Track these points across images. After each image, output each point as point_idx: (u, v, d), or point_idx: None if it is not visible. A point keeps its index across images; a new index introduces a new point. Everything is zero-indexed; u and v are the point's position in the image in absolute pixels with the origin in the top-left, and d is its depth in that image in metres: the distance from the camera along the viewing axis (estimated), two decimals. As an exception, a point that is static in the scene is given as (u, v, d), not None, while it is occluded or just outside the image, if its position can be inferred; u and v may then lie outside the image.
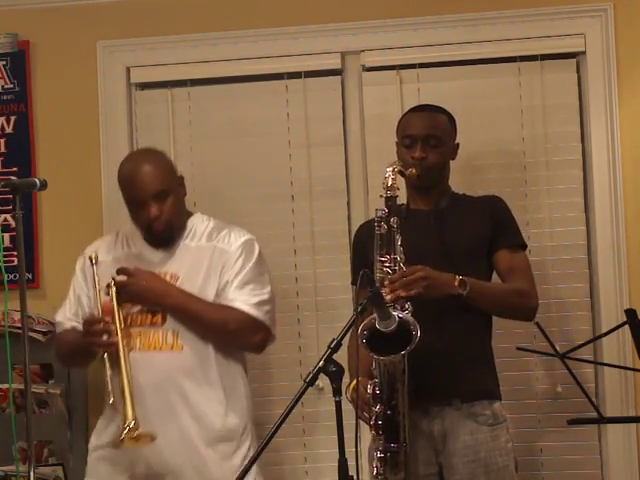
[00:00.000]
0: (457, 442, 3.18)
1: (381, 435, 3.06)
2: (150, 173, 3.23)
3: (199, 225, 3.32)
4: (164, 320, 3.18)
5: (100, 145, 4.01)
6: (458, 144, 3.43)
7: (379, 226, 3.14)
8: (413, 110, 3.44)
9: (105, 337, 3.10)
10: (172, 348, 3.17)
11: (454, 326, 3.19)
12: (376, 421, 3.06)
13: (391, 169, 3.20)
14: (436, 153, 3.30)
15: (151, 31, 4.03)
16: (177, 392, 3.15)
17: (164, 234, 3.24)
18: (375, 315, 2.88)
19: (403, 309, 3.02)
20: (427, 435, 3.20)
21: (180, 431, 3.13)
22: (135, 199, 3.22)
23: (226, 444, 3.18)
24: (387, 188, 3.17)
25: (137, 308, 3.17)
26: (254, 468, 2.99)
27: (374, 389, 3.06)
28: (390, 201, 3.16)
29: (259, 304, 3.21)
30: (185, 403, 3.15)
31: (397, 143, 3.39)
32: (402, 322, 2.94)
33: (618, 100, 3.85)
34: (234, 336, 3.18)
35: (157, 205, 3.19)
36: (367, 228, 3.40)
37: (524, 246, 3.38)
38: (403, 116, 3.45)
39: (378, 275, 3.10)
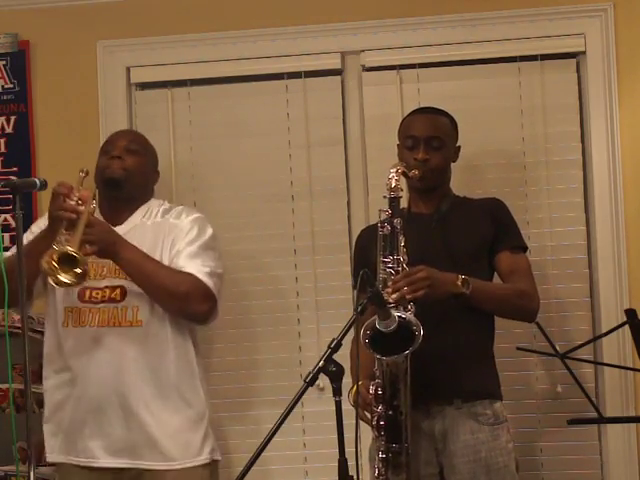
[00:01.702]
0: (458, 442, 3.18)
1: (383, 436, 3.06)
2: (133, 134, 3.54)
3: (154, 207, 3.38)
4: (123, 296, 3.21)
5: (100, 145, 4.00)
6: (459, 147, 3.44)
7: (382, 227, 3.14)
8: (415, 112, 3.45)
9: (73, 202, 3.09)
10: (132, 324, 3.20)
11: (456, 326, 3.20)
12: (378, 422, 3.06)
13: (395, 170, 3.21)
14: (438, 155, 3.30)
15: (151, 31, 4.03)
16: (133, 380, 3.19)
17: (116, 175, 3.29)
18: (377, 321, 2.89)
19: (406, 309, 3.02)
20: (428, 435, 3.20)
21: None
22: (109, 142, 3.41)
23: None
24: (391, 189, 3.17)
25: (90, 256, 3.11)
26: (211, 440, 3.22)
27: (376, 390, 3.06)
28: (394, 202, 3.16)
29: (210, 274, 3.22)
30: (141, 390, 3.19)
31: (398, 145, 3.40)
32: (405, 322, 2.94)
33: (618, 100, 3.85)
34: (184, 300, 3.16)
35: (124, 153, 3.33)
36: (368, 233, 3.41)
37: (525, 248, 3.38)
38: (405, 118, 3.46)
39: (381, 276, 3.11)
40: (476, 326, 3.25)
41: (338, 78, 4.01)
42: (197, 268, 3.21)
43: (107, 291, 3.23)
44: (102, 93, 4.04)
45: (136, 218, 3.33)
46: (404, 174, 3.23)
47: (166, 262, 3.24)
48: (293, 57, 3.98)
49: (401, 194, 3.20)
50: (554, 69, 3.92)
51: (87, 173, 3.25)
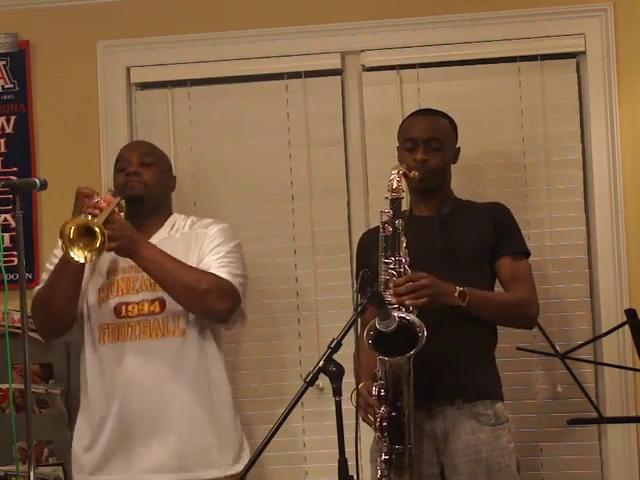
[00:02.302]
0: (459, 442, 3.18)
1: (386, 437, 3.06)
2: (144, 146, 3.50)
3: (180, 220, 3.40)
4: (163, 308, 3.21)
5: (100, 145, 4.01)
6: (459, 148, 3.43)
7: (384, 228, 3.14)
8: (414, 114, 3.45)
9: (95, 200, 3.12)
10: (174, 334, 3.20)
11: (457, 327, 3.19)
12: (381, 423, 3.06)
13: (396, 171, 3.20)
14: (438, 156, 3.30)
15: (151, 31, 4.03)
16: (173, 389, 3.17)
17: (137, 191, 3.29)
18: (377, 321, 2.89)
19: (408, 311, 3.02)
20: (429, 435, 3.20)
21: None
22: (123, 158, 3.40)
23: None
24: (392, 190, 3.17)
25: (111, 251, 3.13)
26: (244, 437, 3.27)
27: (379, 391, 3.06)
28: (395, 203, 3.16)
29: (234, 274, 3.23)
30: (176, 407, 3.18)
31: (398, 148, 3.40)
32: (408, 323, 2.94)
33: (618, 100, 3.85)
34: (204, 296, 3.14)
35: (140, 168, 3.33)
36: (369, 236, 3.41)
37: (527, 253, 3.38)
38: (404, 120, 3.46)
39: (383, 277, 3.10)
40: (478, 327, 3.24)
41: (338, 78, 4.01)
42: (220, 267, 3.21)
43: (145, 304, 3.22)
44: (102, 93, 4.04)
45: (164, 232, 3.34)
46: (405, 175, 3.22)
47: (194, 265, 3.23)
48: (293, 57, 3.98)
49: (402, 195, 3.20)
50: (554, 69, 3.92)
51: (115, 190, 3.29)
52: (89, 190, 3.14)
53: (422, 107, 3.57)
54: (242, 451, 3.28)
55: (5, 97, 4.07)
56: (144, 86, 4.09)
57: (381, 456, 3.07)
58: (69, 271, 3.17)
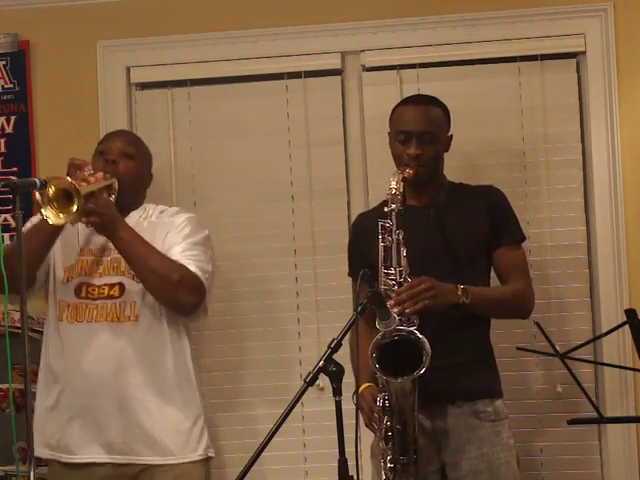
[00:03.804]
0: (459, 439, 3.18)
1: (390, 447, 3.06)
2: (130, 137, 3.50)
3: (150, 209, 3.42)
4: (122, 293, 3.23)
5: (100, 145, 4.01)
6: (452, 136, 3.40)
7: (384, 238, 3.13)
8: (408, 102, 3.39)
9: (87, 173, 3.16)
10: (129, 319, 3.22)
11: (456, 329, 3.18)
12: (386, 433, 3.05)
13: (395, 180, 3.18)
14: (431, 148, 3.27)
15: (151, 31, 4.03)
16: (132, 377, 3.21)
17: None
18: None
19: (410, 322, 3.02)
20: (429, 433, 3.20)
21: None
22: (105, 142, 3.40)
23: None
24: (392, 199, 3.14)
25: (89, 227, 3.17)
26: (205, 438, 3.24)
27: (384, 402, 3.05)
28: (394, 213, 3.13)
29: (202, 269, 3.24)
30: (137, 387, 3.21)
31: (389, 134, 3.37)
32: (414, 341, 2.93)
33: (618, 100, 3.85)
34: (175, 288, 3.16)
35: (120, 157, 3.33)
36: (364, 221, 3.41)
37: (522, 239, 3.38)
38: (397, 107, 3.40)
39: (383, 287, 3.08)
40: (474, 328, 3.24)
41: (338, 78, 4.01)
42: (189, 261, 3.23)
43: (105, 288, 3.25)
44: (102, 93, 4.04)
45: (132, 218, 3.35)
46: (403, 180, 3.21)
47: None
48: (293, 57, 3.98)
49: (401, 206, 3.14)
50: (554, 69, 3.92)
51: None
52: (81, 161, 3.19)
53: (406, 98, 3.48)
54: (200, 442, 3.27)
55: (5, 97, 4.07)
56: (144, 86, 4.09)
57: (387, 463, 3.06)
58: (41, 234, 3.20)
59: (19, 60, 4.06)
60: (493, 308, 3.25)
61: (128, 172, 3.34)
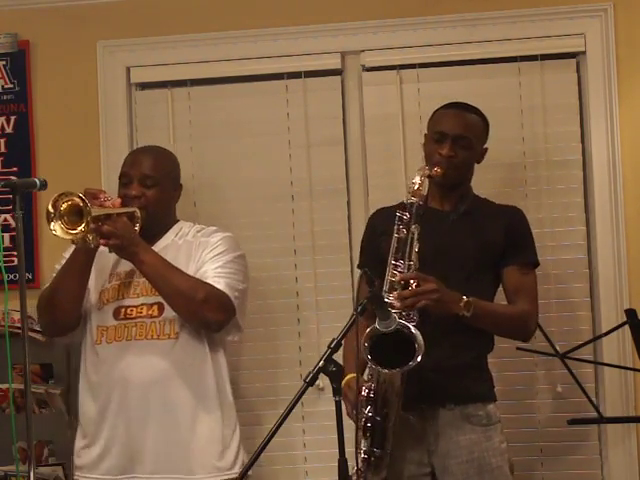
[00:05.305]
0: (450, 442, 3.16)
1: (367, 437, 3.04)
2: (148, 158, 3.37)
3: (185, 228, 3.39)
4: (161, 312, 3.21)
5: (100, 145, 4.01)
6: (486, 148, 3.38)
7: (399, 230, 3.13)
8: (450, 107, 3.38)
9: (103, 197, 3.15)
10: (169, 337, 3.20)
11: (452, 333, 3.16)
12: (365, 424, 3.04)
13: (419, 176, 3.18)
14: (464, 154, 3.26)
15: (151, 31, 4.03)
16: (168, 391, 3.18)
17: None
18: (377, 321, 2.89)
19: (409, 318, 3.01)
20: (420, 436, 3.18)
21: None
22: (124, 175, 3.34)
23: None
24: (413, 193, 3.14)
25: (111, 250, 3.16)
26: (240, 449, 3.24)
27: (368, 392, 3.04)
28: (413, 207, 3.13)
29: (231, 287, 3.21)
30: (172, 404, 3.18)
31: (426, 135, 3.37)
32: (408, 335, 2.92)
33: (618, 100, 3.85)
34: (200, 306, 3.14)
35: (140, 188, 3.28)
36: (381, 215, 3.39)
37: (536, 264, 3.35)
38: (438, 110, 3.39)
39: (390, 279, 3.09)
40: (472, 333, 3.20)
41: (338, 78, 4.01)
42: (219, 279, 3.20)
43: (144, 308, 3.23)
44: (102, 93, 4.04)
45: (168, 238, 3.34)
46: (429, 177, 3.20)
47: (192, 272, 3.23)
48: (293, 57, 3.98)
49: (421, 201, 3.15)
50: (554, 69, 3.92)
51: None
52: (95, 190, 3.16)
53: (449, 103, 3.43)
54: (229, 452, 3.26)
55: (5, 97, 4.07)
56: (144, 86, 4.09)
57: (360, 453, 3.03)
58: (75, 271, 3.20)
59: (19, 60, 4.06)
60: (494, 325, 3.23)
61: (151, 203, 3.28)
